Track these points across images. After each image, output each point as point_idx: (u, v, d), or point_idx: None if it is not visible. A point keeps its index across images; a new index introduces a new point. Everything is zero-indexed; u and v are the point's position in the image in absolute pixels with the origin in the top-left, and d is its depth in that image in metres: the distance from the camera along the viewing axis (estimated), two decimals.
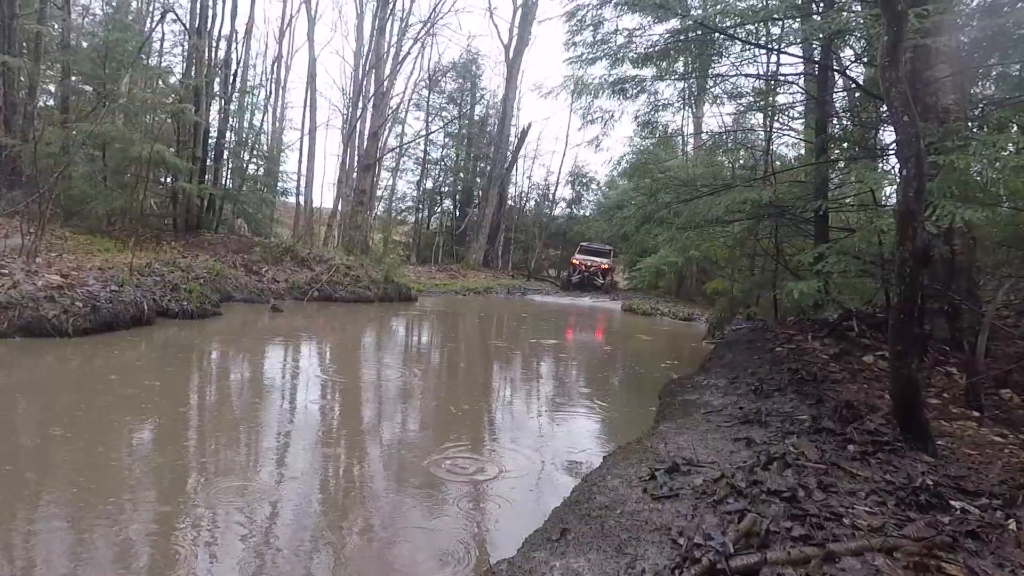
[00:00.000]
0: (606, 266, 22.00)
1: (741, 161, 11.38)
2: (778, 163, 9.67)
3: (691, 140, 19.34)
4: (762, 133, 9.64)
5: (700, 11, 5.94)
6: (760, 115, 9.31)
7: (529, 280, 24.79)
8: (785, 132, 9.51)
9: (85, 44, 14.88)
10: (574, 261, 22.67)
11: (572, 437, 4.09)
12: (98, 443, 3.11)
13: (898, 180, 3.40)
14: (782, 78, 8.42)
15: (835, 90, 8.10)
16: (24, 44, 12.58)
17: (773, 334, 6.37)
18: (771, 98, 8.60)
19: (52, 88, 15.20)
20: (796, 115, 9.10)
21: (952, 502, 2.22)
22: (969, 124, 5.89)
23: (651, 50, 6.92)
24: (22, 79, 12.02)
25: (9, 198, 10.72)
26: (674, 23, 6.23)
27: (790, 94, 8.93)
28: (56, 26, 12.86)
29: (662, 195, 7.30)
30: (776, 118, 8.93)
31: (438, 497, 2.39)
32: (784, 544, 1.81)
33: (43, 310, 6.11)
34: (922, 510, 2.14)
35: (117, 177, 12.56)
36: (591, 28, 6.83)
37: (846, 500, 2.22)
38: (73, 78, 13.85)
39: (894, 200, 4.94)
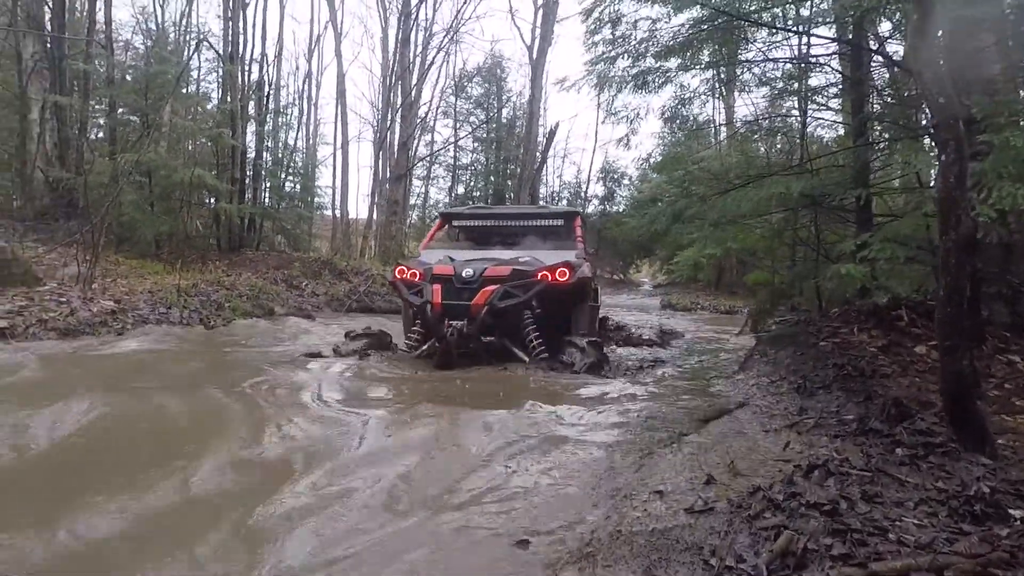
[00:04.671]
0: (564, 274, 5.76)
1: (778, 146, 10.98)
2: (815, 147, 9.28)
3: (723, 129, 18.78)
4: (797, 116, 9.30)
5: None
6: (794, 98, 8.99)
7: None
8: (821, 115, 9.14)
9: (128, 78, 15.62)
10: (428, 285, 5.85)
11: (606, 444, 3.99)
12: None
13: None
14: (814, 60, 8.11)
15: (873, 66, 7.74)
16: (75, 83, 13.29)
17: (817, 328, 6.11)
18: (804, 81, 8.28)
19: (102, 121, 16.04)
20: (832, 95, 8.74)
21: (1012, 511, 2.07)
22: (1022, 93, 5.53)
23: (673, 42, 6.77)
24: (73, 116, 12.69)
25: (67, 228, 11.33)
26: (695, 11, 6.08)
27: (824, 75, 8.59)
28: (102, 63, 13.51)
29: (695, 187, 7.11)
30: (811, 100, 8.59)
31: (461, 512, 2.39)
32: (823, 564, 1.72)
33: (99, 335, 6.43)
34: (977, 521, 2.00)
35: (163, 203, 13.12)
36: (609, 25, 6.73)
37: (893, 512, 2.09)
38: (120, 110, 14.56)
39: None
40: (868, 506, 2.13)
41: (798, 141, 9.08)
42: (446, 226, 8.16)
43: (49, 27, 12.88)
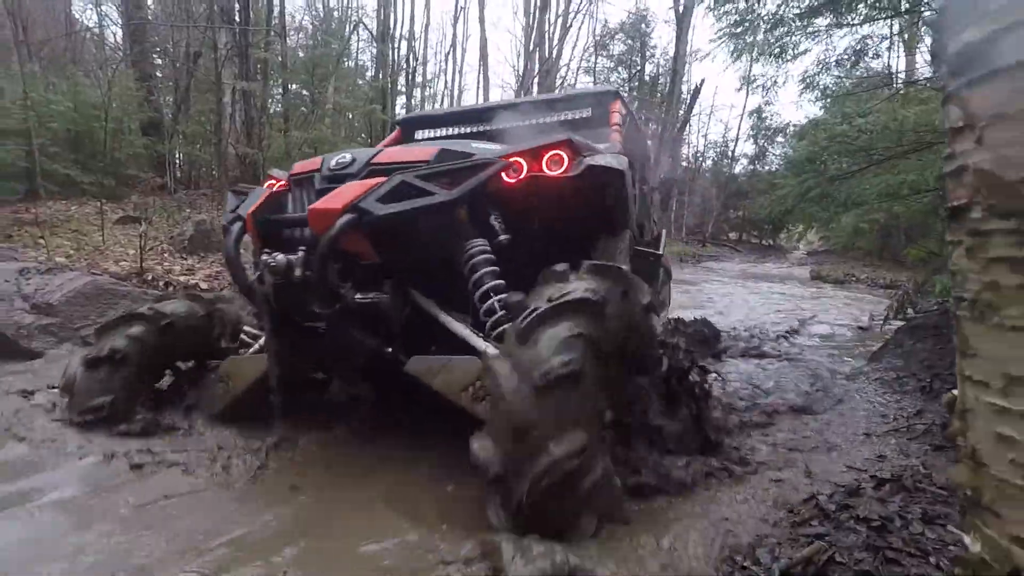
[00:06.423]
0: (559, 160, 2.67)
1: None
2: None
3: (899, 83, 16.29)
4: None
5: None
6: None
7: (704, 246, 23.64)
8: None
9: (301, 54, 17.54)
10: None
11: None
12: None
13: None
14: None
15: None
16: (258, 67, 15.31)
17: None
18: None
19: (280, 99, 18.29)
20: None
21: None
22: None
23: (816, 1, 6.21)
24: (256, 97, 14.67)
25: None
26: None
27: None
28: (277, 50, 15.33)
29: (837, 159, 6.50)
30: None
31: None
32: None
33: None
34: None
35: None
36: None
37: (949, 536, 2.07)
38: (293, 86, 16.51)
39: None
40: (923, 526, 2.12)
41: None
42: (404, 137, 4.94)
43: (238, 19, 14.87)
